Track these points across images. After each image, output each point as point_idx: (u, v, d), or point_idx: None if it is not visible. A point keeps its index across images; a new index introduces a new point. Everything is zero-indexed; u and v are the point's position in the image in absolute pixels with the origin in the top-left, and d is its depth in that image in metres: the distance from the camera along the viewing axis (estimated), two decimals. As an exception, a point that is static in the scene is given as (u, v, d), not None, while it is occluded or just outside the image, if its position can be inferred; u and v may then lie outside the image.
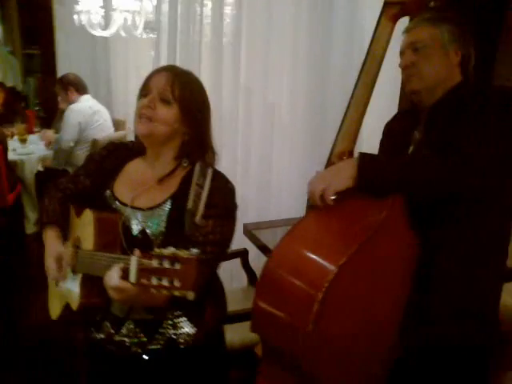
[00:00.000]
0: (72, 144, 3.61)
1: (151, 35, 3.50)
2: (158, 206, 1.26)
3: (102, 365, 1.37)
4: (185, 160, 1.31)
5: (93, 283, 1.22)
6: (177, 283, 0.92)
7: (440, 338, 1.26)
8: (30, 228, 3.82)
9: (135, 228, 1.26)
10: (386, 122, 1.54)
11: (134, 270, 0.98)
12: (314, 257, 1.13)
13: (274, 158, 2.78)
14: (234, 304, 1.71)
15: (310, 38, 2.61)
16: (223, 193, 1.27)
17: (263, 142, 2.74)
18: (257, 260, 2.53)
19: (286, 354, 1.18)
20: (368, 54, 1.30)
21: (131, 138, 4.07)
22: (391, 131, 1.49)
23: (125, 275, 1.03)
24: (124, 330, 1.27)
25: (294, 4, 2.56)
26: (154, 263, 0.95)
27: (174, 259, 0.93)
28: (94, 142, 3.60)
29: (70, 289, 1.31)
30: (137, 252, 1.00)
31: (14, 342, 2.59)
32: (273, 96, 2.66)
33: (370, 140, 2.90)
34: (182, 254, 0.93)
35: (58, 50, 4.54)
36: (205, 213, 1.21)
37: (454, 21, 1.31)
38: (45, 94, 5.14)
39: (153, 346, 1.26)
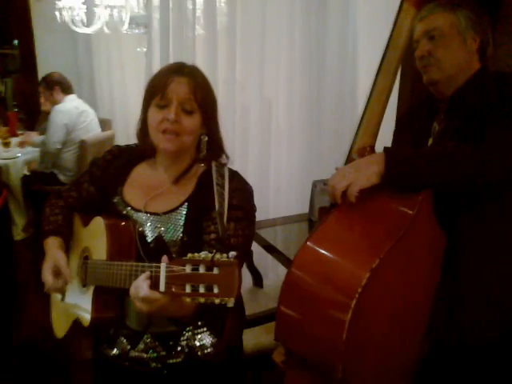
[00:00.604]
0: (59, 146, 3.49)
1: (136, 31, 3.41)
2: (175, 209, 1.19)
3: (115, 382, 1.29)
4: (200, 160, 1.25)
5: (105, 296, 1.16)
6: (216, 290, 0.85)
7: (474, 337, 1.23)
8: (18, 234, 3.69)
9: (150, 234, 1.19)
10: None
11: (164, 278, 0.92)
12: (343, 261, 1.08)
13: (272, 155, 2.75)
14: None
15: (304, 32, 2.58)
16: (243, 194, 1.21)
17: (260, 139, 2.70)
18: (261, 260, 2.49)
19: (315, 362, 1.13)
20: (389, 42, 1.24)
21: (120, 137, 4.00)
22: (407, 123, 1.44)
23: (154, 284, 0.96)
24: (141, 345, 1.20)
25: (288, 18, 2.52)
26: (188, 269, 0.88)
27: (210, 264, 0.86)
28: (82, 143, 3.49)
29: (79, 303, 1.23)
30: (164, 258, 0.94)
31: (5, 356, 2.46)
32: (269, 91, 2.61)
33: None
34: (219, 257, 0.87)
35: (38, 49, 4.37)
36: (226, 215, 1.16)
37: (470, 5, 1.27)
38: (23, 95, 4.96)
39: (172, 360, 1.20)
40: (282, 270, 2.70)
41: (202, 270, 0.87)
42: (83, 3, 3.20)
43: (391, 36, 1.25)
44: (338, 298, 1.03)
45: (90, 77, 4.30)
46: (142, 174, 1.28)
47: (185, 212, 1.18)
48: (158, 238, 1.18)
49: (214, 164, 1.24)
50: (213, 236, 1.15)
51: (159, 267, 0.93)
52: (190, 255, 0.89)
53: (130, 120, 4.24)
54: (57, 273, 1.21)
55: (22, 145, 3.83)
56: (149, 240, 1.19)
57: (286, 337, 1.16)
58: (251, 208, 1.22)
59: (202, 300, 0.86)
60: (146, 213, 1.20)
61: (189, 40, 2.37)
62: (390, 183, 1.10)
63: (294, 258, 1.14)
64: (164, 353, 1.19)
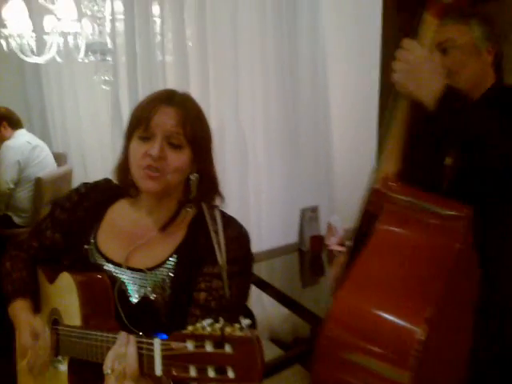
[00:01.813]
0: (12, 185, 3.18)
1: (92, 58, 3.19)
2: (162, 263, 1.01)
3: None
4: (190, 203, 1.07)
5: (83, 368, 0.97)
6: (231, 373, 0.67)
7: None
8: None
9: (134, 294, 1.00)
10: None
11: (160, 359, 0.73)
12: (391, 311, 0.93)
13: (250, 187, 2.60)
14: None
15: (277, 52, 2.50)
16: (240, 244, 1.04)
17: (238, 165, 2.54)
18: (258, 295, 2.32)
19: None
20: None
21: (77, 171, 3.73)
22: (415, 139, 1.34)
23: (147, 365, 0.77)
24: None
25: (259, 16, 2.42)
26: (190, 346, 0.69)
27: (220, 339, 0.67)
28: (38, 181, 3.20)
29: (52, 377, 1.03)
30: (130, 338, 0.78)
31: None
32: (244, 115, 2.48)
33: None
34: (231, 330, 0.68)
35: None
36: (219, 271, 0.99)
37: (482, 15, 1.21)
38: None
39: None
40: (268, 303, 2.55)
41: (209, 347, 0.68)
42: (33, 30, 2.95)
43: None
44: (393, 357, 0.90)
45: (41, 108, 4.01)
46: (119, 216, 1.09)
47: (173, 265, 1.01)
48: (144, 299, 0.99)
49: (204, 206, 1.06)
50: (203, 295, 0.98)
51: (151, 344, 0.75)
52: (191, 328, 0.70)
53: (86, 152, 3.98)
54: (36, 339, 1.02)
55: None
56: (132, 301, 1.00)
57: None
58: (249, 260, 1.06)
59: None
60: (128, 269, 1.01)
61: (157, 65, 2.21)
62: (437, 114, 1.04)
63: (327, 313, 0.99)
64: None
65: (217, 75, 2.37)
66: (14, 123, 3.33)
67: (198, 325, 0.70)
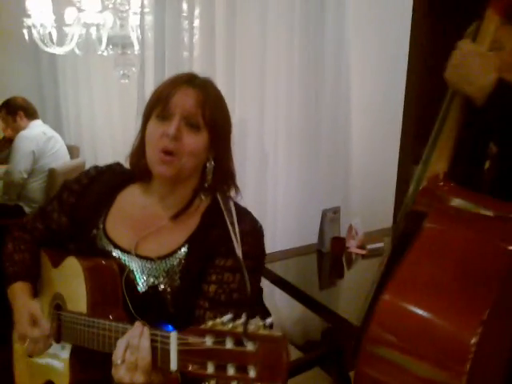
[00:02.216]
0: (25, 175, 3.15)
1: (112, 52, 3.18)
2: (173, 253, 0.99)
3: None
4: (204, 192, 1.04)
5: (86, 357, 0.94)
6: (252, 373, 0.63)
7: None
8: None
9: (141, 282, 0.98)
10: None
11: (175, 353, 0.70)
12: (442, 314, 0.92)
13: (269, 189, 2.59)
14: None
15: (302, 47, 2.49)
16: (255, 238, 1.01)
17: (258, 164, 2.53)
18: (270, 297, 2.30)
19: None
20: None
21: (89, 165, 3.79)
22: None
23: (162, 360, 0.74)
24: None
25: (288, 15, 2.42)
26: (209, 342, 0.67)
27: (242, 336, 0.64)
28: (51, 172, 3.18)
29: (53, 364, 1.01)
30: (139, 325, 0.76)
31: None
32: (268, 109, 2.48)
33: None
34: (255, 328, 0.65)
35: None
36: (232, 264, 0.96)
37: None
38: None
39: None
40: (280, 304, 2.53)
41: (229, 344, 0.65)
42: (55, 21, 2.94)
43: None
44: (447, 361, 0.87)
45: (56, 100, 4.00)
46: (129, 201, 1.07)
47: (184, 255, 0.98)
48: (154, 288, 0.97)
49: (219, 196, 1.04)
50: (213, 288, 0.96)
51: (167, 337, 0.73)
52: (210, 323, 0.68)
53: (99, 147, 3.97)
54: (34, 325, 1.00)
55: None
56: (140, 290, 0.98)
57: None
58: (263, 256, 1.04)
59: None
60: (138, 256, 0.99)
61: (184, 60, 2.20)
62: (488, 108, 1.01)
63: (372, 316, 0.97)
64: None
65: (243, 72, 2.36)
66: (30, 113, 3.31)
67: (218, 320, 0.68)
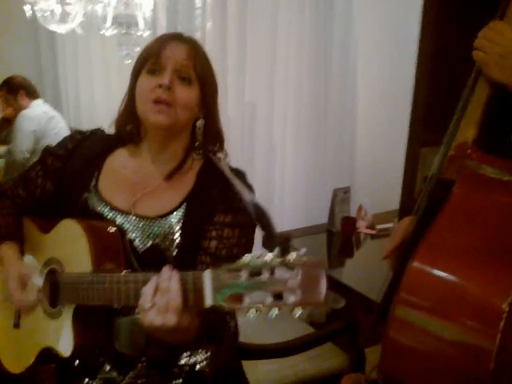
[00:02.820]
0: (27, 155, 3.11)
1: (115, 31, 3.13)
2: (171, 211, 1.00)
3: None
4: (195, 151, 1.06)
5: (89, 317, 0.94)
6: (294, 298, 0.68)
7: None
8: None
9: (140, 241, 0.99)
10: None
11: (210, 290, 0.74)
12: (476, 281, 0.92)
13: (277, 170, 2.60)
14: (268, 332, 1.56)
15: (311, 33, 2.50)
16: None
17: (265, 146, 2.54)
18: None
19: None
20: None
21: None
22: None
23: (195, 298, 0.77)
24: (134, 371, 1.00)
25: (298, 12, 2.43)
26: (244, 276, 0.70)
27: (277, 266, 0.69)
28: (53, 153, 3.14)
29: (49, 329, 0.99)
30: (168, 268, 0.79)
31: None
32: (278, 90, 2.48)
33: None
34: (291, 256, 0.69)
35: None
36: (231, 220, 0.98)
37: None
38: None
39: (172, 382, 1.02)
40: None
41: (265, 274, 0.69)
42: (58, -2, 2.88)
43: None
44: (478, 324, 0.89)
45: (55, 81, 3.93)
46: (120, 164, 1.07)
47: (182, 214, 1.00)
48: (153, 247, 0.98)
49: (212, 157, 1.06)
50: (213, 243, 0.99)
51: (200, 277, 0.75)
52: (244, 259, 0.71)
53: (108, 127, 3.91)
54: (23, 286, 0.99)
55: None
56: (141, 248, 0.99)
57: (397, 369, 1.00)
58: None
59: (274, 312, 0.69)
60: (136, 216, 1.00)
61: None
62: None
63: (401, 282, 0.97)
64: (162, 376, 1.01)
65: (254, 57, 2.38)
66: (31, 93, 3.27)
67: (249, 256, 0.71)
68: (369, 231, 2.21)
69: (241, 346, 1.55)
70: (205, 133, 1.05)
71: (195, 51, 1.01)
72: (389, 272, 1.21)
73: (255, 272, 0.69)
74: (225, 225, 1.00)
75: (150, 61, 0.99)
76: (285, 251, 0.70)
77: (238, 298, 0.70)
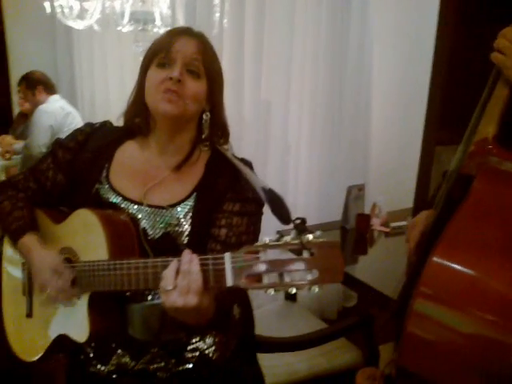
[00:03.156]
0: (44, 149, 3.14)
1: (131, 28, 3.15)
2: (182, 201, 1.03)
3: None
4: (202, 143, 1.09)
5: (103, 303, 0.98)
6: (312, 276, 0.72)
7: None
8: None
9: (153, 230, 1.02)
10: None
11: (231, 270, 0.78)
12: (496, 276, 0.92)
13: (291, 167, 2.61)
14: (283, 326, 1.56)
15: (328, 35, 2.51)
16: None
17: (280, 143, 2.55)
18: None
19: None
20: None
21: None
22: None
23: (215, 279, 0.80)
24: (147, 356, 1.04)
25: (315, 11, 2.44)
26: (263, 257, 0.74)
27: (297, 247, 0.72)
28: (69, 147, 3.18)
29: (62, 316, 1.03)
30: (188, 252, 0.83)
31: None
32: (294, 87, 2.49)
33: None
34: (308, 237, 0.73)
35: (10, 46, 4.00)
36: (240, 209, 1.02)
37: None
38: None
39: (183, 367, 1.07)
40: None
41: (283, 256, 0.73)
42: (77, -6, 2.92)
43: None
44: (496, 317, 0.89)
45: (71, 80, 3.97)
46: (129, 156, 1.10)
47: (192, 203, 1.03)
48: (165, 235, 1.02)
49: (219, 149, 1.10)
50: (223, 231, 1.02)
51: (220, 258, 0.79)
52: (264, 241, 0.75)
53: (116, 121, 3.95)
54: (56, 274, 1.01)
55: (3, 155, 3.43)
56: (152, 237, 1.02)
57: (415, 362, 1.01)
58: (263, 201, 1.06)
59: (293, 290, 0.73)
60: (148, 206, 1.03)
61: (215, 39, 2.19)
62: None
63: (421, 277, 0.98)
64: (173, 360, 1.05)
65: (270, 55, 2.39)
66: (49, 88, 3.32)
67: (267, 238, 0.75)
68: (383, 229, 2.22)
69: (256, 339, 1.58)
70: (211, 125, 1.08)
71: (204, 46, 1.04)
72: (405, 269, 1.22)
73: (273, 253, 0.73)
74: (234, 213, 1.03)
75: (160, 54, 1.02)
76: (301, 233, 0.74)
77: (257, 278, 0.74)
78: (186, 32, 1.05)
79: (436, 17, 2.41)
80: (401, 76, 2.82)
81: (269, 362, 1.69)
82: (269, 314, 2.06)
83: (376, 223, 2.24)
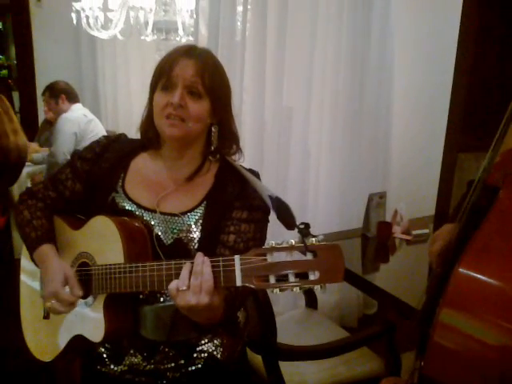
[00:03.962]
0: (68, 157, 3.20)
1: (155, 37, 3.21)
2: (193, 209, 1.08)
3: None
4: (213, 154, 1.13)
5: (118, 305, 1.03)
6: (314, 276, 0.78)
7: None
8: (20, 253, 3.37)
9: (165, 236, 1.07)
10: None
11: (239, 271, 0.84)
12: None
13: (312, 173, 2.62)
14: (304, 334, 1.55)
15: (349, 39, 2.50)
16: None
17: (302, 158, 2.57)
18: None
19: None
20: None
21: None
22: None
23: (225, 279, 0.87)
24: (158, 356, 1.08)
25: (336, 18, 2.45)
26: (269, 258, 0.81)
27: (302, 249, 0.79)
28: (93, 155, 3.24)
29: (78, 318, 1.07)
30: (200, 254, 0.90)
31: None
32: (315, 94, 2.50)
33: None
34: (311, 241, 0.79)
35: (37, 56, 4.10)
36: (247, 216, 1.07)
37: None
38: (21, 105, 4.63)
39: (192, 367, 1.11)
40: (333, 286, 2.55)
41: (289, 257, 0.80)
42: (102, 4, 2.99)
43: None
44: None
45: (94, 87, 4.06)
46: (143, 167, 1.15)
47: (202, 211, 1.08)
48: (177, 240, 1.06)
49: (228, 160, 1.14)
50: (232, 237, 1.07)
51: (231, 260, 0.86)
52: (270, 244, 0.82)
53: (134, 132, 4.01)
54: (66, 285, 1.06)
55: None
56: (165, 243, 1.07)
57: (440, 372, 1.01)
58: (269, 209, 1.09)
59: (297, 290, 0.80)
60: (161, 213, 1.08)
61: (237, 46, 2.22)
62: None
63: (447, 287, 0.98)
64: (183, 361, 1.10)
65: (292, 61, 2.40)
66: (72, 97, 3.39)
67: (273, 242, 0.81)
68: (404, 236, 2.20)
69: (279, 347, 1.59)
70: (220, 137, 1.12)
71: (204, 66, 1.06)
72: (426, 279, 1.21)
73: (279, 255, 0.80)
74: (242, 220, 1.07)
75: (163, 78, 1.05)
76: (305, 236, 0.80)
77: (264, 279, 0.81)
78: (186, 53, 1.07)
79: (459, 17, 2.40)
80: (423, 81, 2.80)
81: (291, 370, 1.69)
82: (289, 322, 2.07)
83: (397, 231, 2.23)
